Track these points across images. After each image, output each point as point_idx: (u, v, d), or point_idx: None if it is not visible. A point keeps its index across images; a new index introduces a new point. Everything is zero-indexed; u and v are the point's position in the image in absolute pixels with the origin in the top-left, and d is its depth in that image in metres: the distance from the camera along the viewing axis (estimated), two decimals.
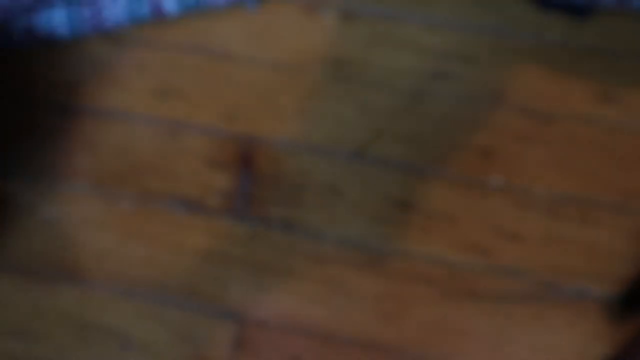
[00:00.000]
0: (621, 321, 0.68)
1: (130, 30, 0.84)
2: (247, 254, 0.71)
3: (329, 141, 0.77)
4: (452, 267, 0.70)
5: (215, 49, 0.83)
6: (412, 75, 0.79)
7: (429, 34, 0.81)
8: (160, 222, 0.72)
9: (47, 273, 0.70)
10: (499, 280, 0.70)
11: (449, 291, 0.69)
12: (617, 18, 0.83)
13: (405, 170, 0.75)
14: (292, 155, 0.76)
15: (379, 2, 0.80)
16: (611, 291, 0.69)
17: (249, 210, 0.73)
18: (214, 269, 0.70)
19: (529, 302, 0.69)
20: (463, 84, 0.79)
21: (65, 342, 0.66)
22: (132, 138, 0.77)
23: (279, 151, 0.76)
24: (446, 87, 0.79)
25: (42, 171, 0.75)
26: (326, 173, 0.75)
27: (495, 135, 0.77)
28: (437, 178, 0.75)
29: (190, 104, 0.79)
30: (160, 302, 0.69)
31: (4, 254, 0.71)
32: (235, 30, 0.84)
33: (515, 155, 0.76)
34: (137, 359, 0.66)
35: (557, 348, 0.67)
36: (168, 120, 0.78)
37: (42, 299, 0.68)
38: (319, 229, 0.72)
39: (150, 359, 0.66)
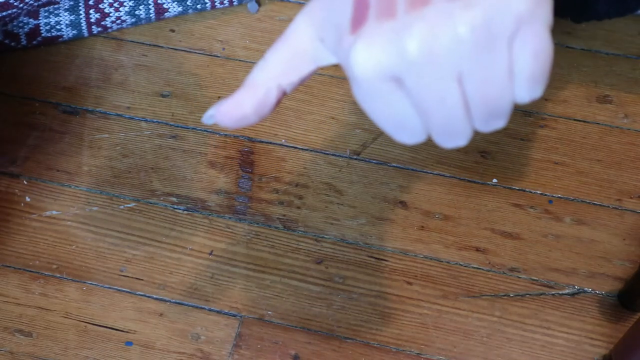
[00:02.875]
0: (618, 320, 0.68)
1: (132, 31, 0.84)
2: (247, 254, 0.71)
3: (328, 141, 0.77)
4: (450, 266, 0.71)
5: (216, 50, 0.83)
6: None
7: None
8: (161, 222, 0.73)
9: (49, 272, 0.70)
10: (496, 279, 0.70)
11: (447, 290, 0.69)
12: (614, 20, 0.84)
13: (405, 170, 0.76)
14: (292, 155, 0.76)
15: None
16: (607, 290, 0.70)
17: (249, 210, 0.73)
18: (214, 268, 0.70)
19: (526, 301, 0.69)
20: None
21: (68, 340, 0.67)
22: (133, 138, 0.77)
23: (279, 151, 0.76)
24: None
25: (43, 171, 0.75)
26: (326, 173, 0.75)
27: (493, 136, 0.77)
28: (436, 178, 0.75)
29: (190, 104, 0.79)
30: (160, 301, 0.69)
31: (6, 253, 0.71)
32: (235, 31, 0.84)
33: (513, 155, 0.77)
34: (137, 358, 0.66)
35: (554, 347, 0.67)
36: (169, 121, 0.79)
37: (44, 297, 0.69)
38: (319, 229, 0.72)
39: (151, 358, 0.66)
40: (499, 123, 0.34)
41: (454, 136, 0.34)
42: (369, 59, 0.31)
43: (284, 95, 0.37)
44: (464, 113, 0.33)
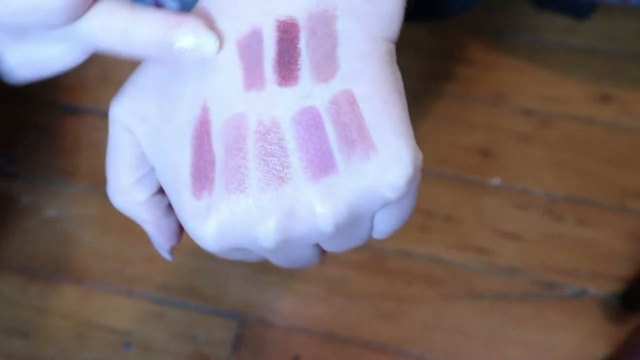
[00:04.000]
0: (620, 321, 0.68)
1: None
2: None
3: None
4: (451, 266, 0.70)
5: None
6: (412, 75, 0.79)
7: (429, 35, 0.81)
8: None
9: (47, 273, 0.70)
10: (498, 279, 0.70)
11: (448, 291, 0.69)
12: (616, 18, 0.83)
13: None
14: None
15: None
16: (610, 291, 0.69)
17: None
18: (214, 268, 0.70)
19: (527, 301, 0.69)
20: (463, 84, 0.79)
21: (66, 341, 0.66)
22: None
23: None
24: (446, 87, 0.79)
25: (42, 171, 0.75)
26: None
27: (494, 136, 0.77)
28: (437, 178, 0.75)
29: None
30: (160, 302, 0.68)
31: (4, 254, 0.71)
32: None
33: (514, 155, 0.76)
34: (137, 359, 0.66)
35: (556, 348, 0.67)
36: None
37: (42, 298, 0.68)
38: None
39: (150, 358, 0.66)
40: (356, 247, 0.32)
41: (305, 266, 0.33)
42: (219, 240, 0.28)
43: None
44: (317, 258, 0.31)
